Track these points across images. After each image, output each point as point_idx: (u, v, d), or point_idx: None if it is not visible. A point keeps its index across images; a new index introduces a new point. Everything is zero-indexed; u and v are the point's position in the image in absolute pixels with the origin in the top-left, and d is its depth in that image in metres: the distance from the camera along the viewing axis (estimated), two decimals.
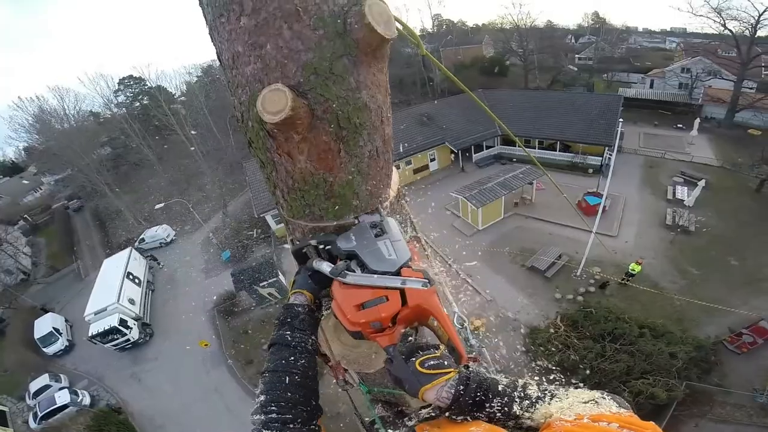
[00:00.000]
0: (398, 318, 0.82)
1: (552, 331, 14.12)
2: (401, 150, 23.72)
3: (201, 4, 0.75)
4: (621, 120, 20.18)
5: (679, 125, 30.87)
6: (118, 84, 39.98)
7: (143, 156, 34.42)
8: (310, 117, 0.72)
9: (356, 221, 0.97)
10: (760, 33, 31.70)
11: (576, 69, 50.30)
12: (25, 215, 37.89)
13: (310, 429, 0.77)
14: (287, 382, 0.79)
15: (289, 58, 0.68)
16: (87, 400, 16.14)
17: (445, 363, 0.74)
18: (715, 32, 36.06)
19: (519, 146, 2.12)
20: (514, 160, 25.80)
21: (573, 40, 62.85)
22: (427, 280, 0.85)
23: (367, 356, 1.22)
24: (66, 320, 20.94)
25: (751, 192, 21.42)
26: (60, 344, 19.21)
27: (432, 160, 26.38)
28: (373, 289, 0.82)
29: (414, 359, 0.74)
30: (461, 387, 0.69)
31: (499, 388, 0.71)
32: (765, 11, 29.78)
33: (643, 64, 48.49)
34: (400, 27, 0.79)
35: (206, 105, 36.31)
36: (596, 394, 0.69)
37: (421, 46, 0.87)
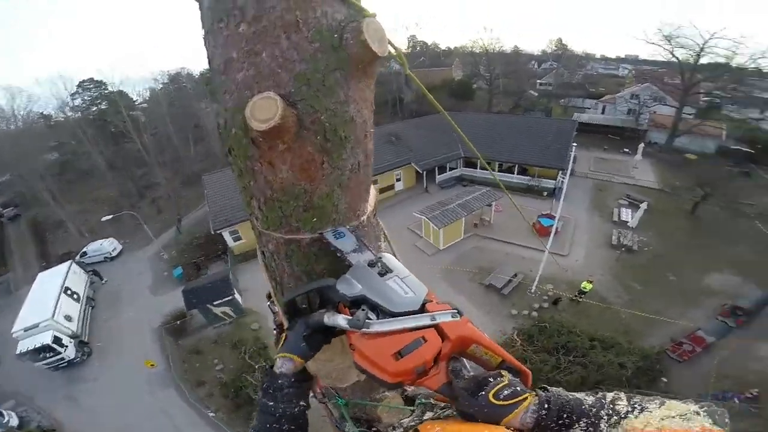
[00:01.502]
0: (441, 356, 0.77)
1: (510, 345, 14.41)
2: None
3: (201, 7, 0.74)
4: (575, 144, 21.22)
5: (625, 150, 33.08)
6: (77, 87, 37.97)
7: (93, 163, 32.51)
8: (297, 127, 0.72)
9: (322, 236, 0.93)
10: (703, 60, 34.85)
11: (536, 94, 53.02)
12: None
13: None
14: None
15: (284, 68, 0.68)
16: (15, 422, 14.87)
17: (519, 389, 0.72)
18: (664, 59, 38.91)
19: (487, 169, 2.16)
20: (475, 182, 26.62)
21: (536, 66, 66.55)
22: (455, 310, 0.82)
23: (340, 370, 1.18)
24: None
25: (686, 214, 23.23)
26: None
27: (398, 179, 26.66)
28: (403, 333, 0.76)
29: (484, 393, 0.71)
30: (543, 412, 0.68)
31: (584, 408, 0.69)
32: (710, 39, 32.81)
33: (597, 90, 51.84)
34: (390, 47, 0.80)
35: (169, 113, 35.07)
36: (692, 407, 0.65)
37: (406, 67, 0.88)
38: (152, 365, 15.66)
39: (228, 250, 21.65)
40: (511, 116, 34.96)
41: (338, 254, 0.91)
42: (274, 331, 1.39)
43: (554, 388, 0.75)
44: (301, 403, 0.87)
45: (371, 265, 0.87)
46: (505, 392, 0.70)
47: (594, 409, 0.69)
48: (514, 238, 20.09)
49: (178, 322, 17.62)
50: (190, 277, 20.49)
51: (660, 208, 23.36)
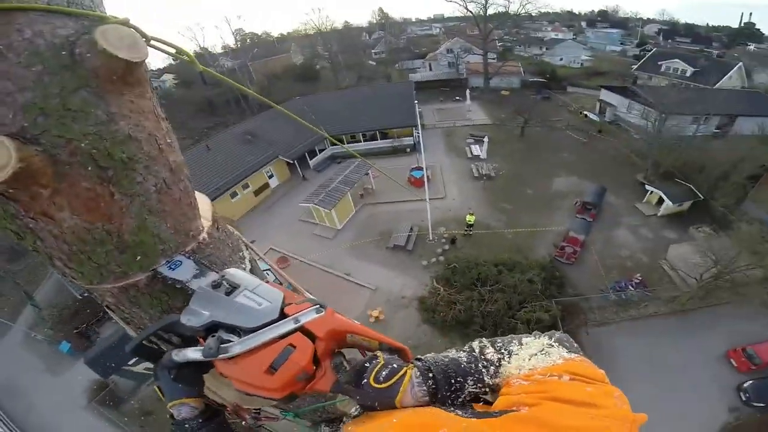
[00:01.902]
0: (319, 355, 0.74)
1: (435, 294, 15.08)
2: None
3: None
4: (417, 102, 23.96)
5: (457, 98, 38.24)
6: None
7: None
8: (53, 164, 0.62)
9: (157, 270, 0.85)
10: (490, 11, 42.36)
11: (374, 63, 56.34)
12: None
13: None
14: None
15: (1, 103, 0.58)
16: None
17: (395, 366, 0.70)
18: (462, 15, 45.65)
19: (332, 141, 2.30)
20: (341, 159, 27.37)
21: (368, 37, 70.15)
22: (318, 305, 0.79)
23: None
24: None
25: (517, 137, 28.81)
26: None
27: (270, 176, 25.52)
28: (269, 345, 0.72)
29: (366, 380, 0.69)
30: (431, 382, 0.67)
31: (463, 366, 0.69)
32: None
33: (421, 51, 57.56)
34: (169, 48, 0.74)
35: None
36: (545, 341, 0.68)
37: (196, 63, 0.81)
38: None
39: None
40: (360, 88, 36.54)
41: (178, 285, 0.85)
42: None
43: (427, 355, 0.75)
44: None
45: (216, 286, 0.82)
46: (384, 373, 0.69)
47: (472, 365, 0.70)
48: (398, 197, 21.49)
49: (105, 392, 15.59)
50: (82, 348, 17.40)
51: (498, 138, 28.16)
